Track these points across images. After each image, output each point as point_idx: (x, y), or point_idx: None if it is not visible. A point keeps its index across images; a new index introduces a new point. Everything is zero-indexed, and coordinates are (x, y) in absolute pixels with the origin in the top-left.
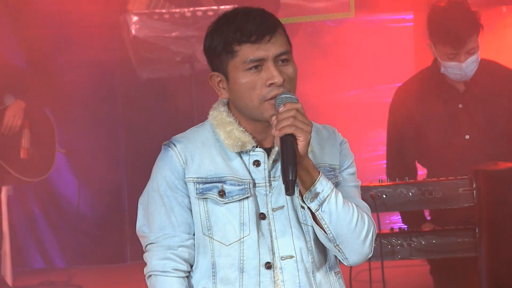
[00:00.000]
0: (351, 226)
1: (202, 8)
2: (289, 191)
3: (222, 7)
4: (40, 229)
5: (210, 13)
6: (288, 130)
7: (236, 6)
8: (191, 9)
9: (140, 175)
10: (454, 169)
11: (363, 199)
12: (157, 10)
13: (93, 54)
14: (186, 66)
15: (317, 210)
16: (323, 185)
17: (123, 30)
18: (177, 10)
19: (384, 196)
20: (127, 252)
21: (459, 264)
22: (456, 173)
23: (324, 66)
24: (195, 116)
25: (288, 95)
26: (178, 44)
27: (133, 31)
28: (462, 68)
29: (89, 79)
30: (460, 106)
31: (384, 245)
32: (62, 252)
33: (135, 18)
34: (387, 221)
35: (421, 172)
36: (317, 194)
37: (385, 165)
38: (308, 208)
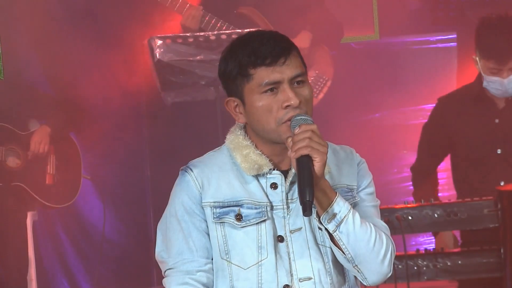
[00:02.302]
0: (369, 246)
1: (227, 32)
2: (307, 211)
3: (246, 30)
4: (66, 254)
5: (235, 36)
6: (304, 151)
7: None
8: (215, 32)
9: (166, 199)
10: (483, 182)
11: (389, 221)
12: (181, 34)
13: (118, 79)
14: (211, 89)
15: (335, 231)
16: (340, 206)
17: (148, 54)
18: (201, 33)
19: (409, 217)
20: (154, 276)
21: (487, 284)
22: (484, 186)
23: (348, 88)
24: (220, 139)
25: (303, 117)
26: (202, 68)
27: (157, 55)
28: (503, 84)
29: (114, 104)
30: (497, 121)
31: (410, 266)
32: (89, 276)
33: (159, 42)
34: (413, 243)
35: (447, 193)
36: (334, 215)
37: (410, 187)
38: (326, 229)
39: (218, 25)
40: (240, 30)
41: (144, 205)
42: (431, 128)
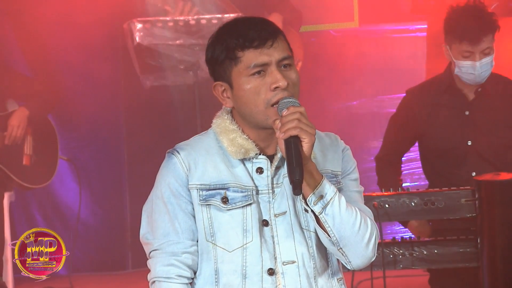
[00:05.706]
0: (354, 229)
1: (207, 16)
2: (297, 190)
3: (226, 15)
4: None
5: (214, 21)
6: (293, 132)
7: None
8: (195, 17)
9: (142, 183)
10: (453, 173)
11: None
12: (161, 18)
13: (96, 62)
14: (189, 74)
15: (321, 213)
16: (326, 188)
17: (127, 37)
18: (181, 18)
19: (386, 205)
20: (129, 259)
21: (458, 274)
22: (455, 178)
23: (327, 75)
24: (198, 124)
25: (291, 99)
26: (182, 52)
27: (137, 39)
28: (476, 68)
29: (92, 86)
30: (467, 113)
31: (386, 254)
32: None
33: (139, 26)
34: (388, 231)
35: (423, 182)
36: (321, 197)
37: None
38: (312, 211)
39: (186, 8)
40: (220, 15)
41: (120, 188)
42: (398, 120)
